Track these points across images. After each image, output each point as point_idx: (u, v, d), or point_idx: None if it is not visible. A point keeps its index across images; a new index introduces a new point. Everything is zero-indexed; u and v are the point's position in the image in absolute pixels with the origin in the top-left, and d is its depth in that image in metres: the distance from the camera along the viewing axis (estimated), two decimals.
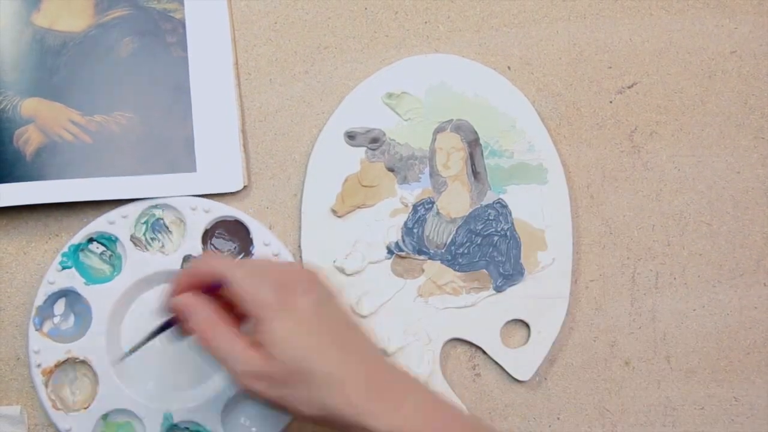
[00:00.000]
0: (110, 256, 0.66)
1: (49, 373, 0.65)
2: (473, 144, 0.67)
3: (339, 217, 0.66)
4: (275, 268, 0.54)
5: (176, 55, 0.66)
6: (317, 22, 0.68)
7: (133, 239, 0.65)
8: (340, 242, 0.66)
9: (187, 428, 0.65)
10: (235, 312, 0.53)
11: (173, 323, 0.55)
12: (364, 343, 0.53)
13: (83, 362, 0.65)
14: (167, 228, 0.66)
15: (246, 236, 0.66)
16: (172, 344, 0.64)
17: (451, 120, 0.67)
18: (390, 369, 0.53)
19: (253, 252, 0.65)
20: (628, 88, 0.69)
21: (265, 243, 0.65)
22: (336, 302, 0.53)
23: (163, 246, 0.66)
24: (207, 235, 0.66)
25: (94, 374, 0.65)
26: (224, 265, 0.52)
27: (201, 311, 0.52)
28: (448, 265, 0.66)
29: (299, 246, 0.66)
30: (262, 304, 0.50)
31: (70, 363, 0.65)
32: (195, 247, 0.65)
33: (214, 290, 0.53)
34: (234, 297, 0.51)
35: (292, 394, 0.50)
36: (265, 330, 0.50)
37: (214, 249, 0.66)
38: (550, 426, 0.67)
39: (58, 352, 0.64)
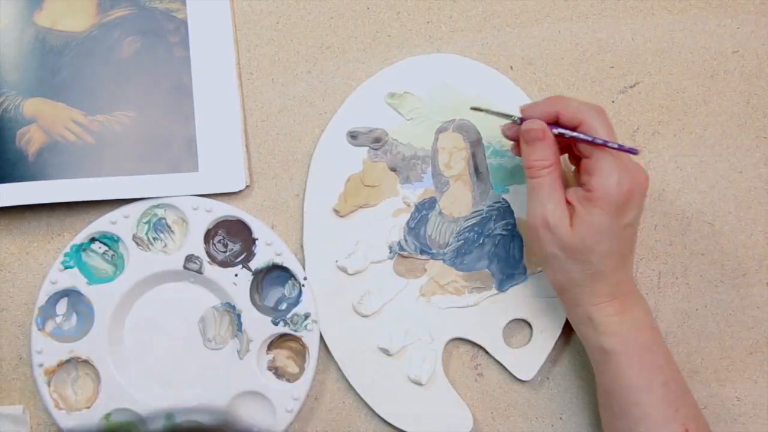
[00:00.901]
0: (112, 255, 0.66)
1: (51, 373, 0.65)
2: (475, 144, 0.67)
3: (341, 216, 0.66)
4: (631, 163, 0.57)
5: (178, 54, 0.66)
6: (319, 21, 0.68)
7: (136, 239, 0.65)
8: (343, 242, 0.66)
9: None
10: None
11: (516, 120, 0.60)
12: (631, 264, 0.61)
13: (86, 362, 0.65)
14: (169, 228, 0.66)
15: (248, 236, 0.66)
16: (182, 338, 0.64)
17: (454, 120, 0.67)
18: (634, 292, 0.60)
19: (255, 252, 0.65)
20: (631, 87, 0.69)
21: (267, 243, 0.65)
22: (639, 217, 0.59)
23: (165, 246, 0.66)
24: (209, 235, 0.66)
25: (97, 374, 0.65)
26: (600, 128, 0.57)
27: (546, 148, 0.58)
28: (451, 265, 0.66)
29: (301, 246, 0.66)
30: (607, 192, 0.56)
31: (73, 362, 0.65)
32: (197, 246, 0.65)
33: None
34: (589, 159, 0.57)
35: (563, 262, 0.58)
36: (590, 209, 0.56)
37: (216, 249, 0.66)
38: (552, 425, 0.67)
39: (61, 351, 0.65)
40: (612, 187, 0.56)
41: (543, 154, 0.57)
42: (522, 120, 0.60)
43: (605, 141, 0.56)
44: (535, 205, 0.58)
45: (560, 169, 0.58)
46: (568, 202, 0.58)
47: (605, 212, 0.56)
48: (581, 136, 0.57)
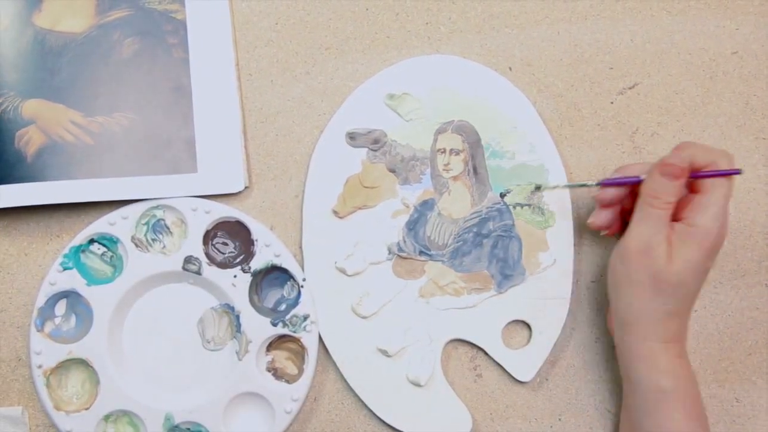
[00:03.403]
0: (111, 257, 0.66)
1: (50, 374, 0.65)
2: (474, 145, 0.67)
3: (340, 218, 0.66)
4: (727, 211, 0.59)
5: (177, 56, 0.66)
6: (318, 23, 0.68)
7: (134, 240, 0.65)
8: (342, 243, 0.66)
9: (188, 429, 0.65)
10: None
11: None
12: (693, 303, 0.60)
13: (84, 363, 0.65)
14: (168, 229, 0.66)
15: (247, 237, 0.66)
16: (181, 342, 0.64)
17: (453, 121, 0.67)
18: (687, 329, 0.61)
19: (254, 253, 0.65)
20: (629, 89, 0.69)
21: (266, 244, 0.65)
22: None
23: (164, 247, 0.66)
24: (208, 236, 0.66)
25: (96, 375, 0.65)
26: (724, 189, 0.58)
27: (677, 187, 0.58)
28: (450, 266, 0.66)
29: (300, 247, 0.66)
30: (712, 233, 0.57)
31: (72, 364, 0.65)
32: (196, 248, 0.65)
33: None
34: (704, 196, 0.58)
35: (645, 291, 0.58)
36: (692, 245, 0.57)
37: (215, 250, 0.66)
38: (551, 427, 0.67)
39: (60, 352, 0.65)
40: (715, 228, 0.57)
41: (673, 191, 0.58)
42: (603, 183, 0.62)
43: (731, 170, 0.58)
44: (642, 230, 0.58)
45: (672, 210, 0.59)
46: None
47: (702, 250, 0.57)
48: (712, 172, 0.58)
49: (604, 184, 0.62)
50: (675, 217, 0.59)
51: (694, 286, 0.58)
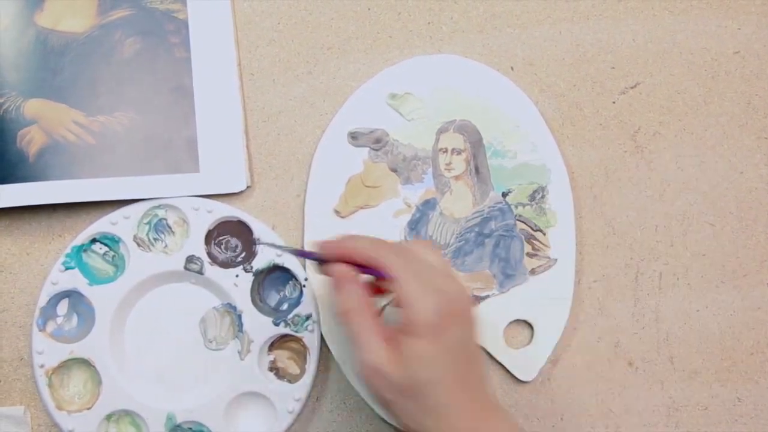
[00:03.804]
0: (113, 256, 0.66)
1: (52, 374, 0.65)
2: (476, 144, 0.67)
3: (342, 217, 0.66)
4: (442, 281, 0.54)
5: (179, 55, 0.66)
6: (320, 22, 0.68)
7: (136, 240, 0.65)
8: None
9: (190, 428, 0.65)
10: (376, 284, 0.56)
11: (315, 260, 0.58)
12: (481, 381, 0.55)
13: (87, 362, 0.65)
14: (170, 228, 0.66)
15: (249, 237, 0.66)
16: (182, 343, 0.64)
17: (455, 120, 0.67)
18: (492, 407, 0.55)
19: (256, 252, 0.65)
20: (631, 88, 0.69)
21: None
22: (476, 336, 0.55)
23: (166, 246, 0.66)
24: (210, 236, 0.66)
25: (98, 375, 0.65)
26: (394, 261, 0.53)
27: (353, 292, 0.54)
28: (452, 266, 0.66)
29: (302, 246, 0.66)
30: (420, 320, 0.51)
31: (74, 363, 0.65)
32: (198, 247, 0.65)
33: (367, 268, 0.55)
34: (395, 293, 0.53)
35: (403, 404, 0.52)
36: (409, 342, 0.52)
37: (217, 250, 0.66)
38: (553, 426, 0.67)
39: (62, 352, 0.65)
40: (420, 312, 0.51)
41: (355, 297, 0.54)
42: (313, 256, 0.58)
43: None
44: (361, 354, 0.53)
45: (373, 309, 0.54)
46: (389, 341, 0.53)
47: (424, 339, 0.51)
48: (376, 273, 0.54)
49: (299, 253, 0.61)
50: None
51: (442, 373, 0.52)
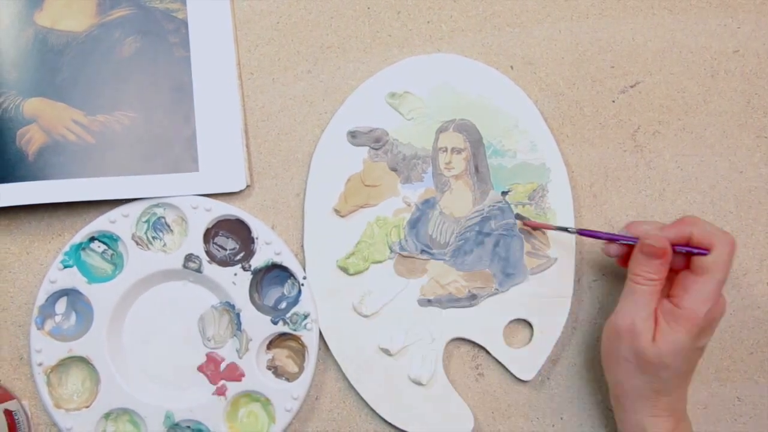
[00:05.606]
0: (112, 255, 0.66)
1: (50, 372, 0.65)
2: (476, 144, 0.67)
3: (342, 216, 0.66)
4: (720, 294, 0.59)
5: (179, 54, 0.66)
6: (320, 21, 0.68)
7: (135, 238, 0.65)
8: (343, 242, 0.66)
9: (189, 427, 0.65)
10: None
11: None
12: (690, 380, 0.61)
13: (85, 361, 0.65)
14: (169, 227, 0.66)
15: (248, 235, 0.66)
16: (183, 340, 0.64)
17: (454, 119, 0.67)
18: (685, 404, 0.62)
19: (254, 251, 0.65)
20: (631, 87, 0.69)
21: (267, 242, 0.65)
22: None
23: (164, 245, 0.66)
24: (208, 234, 0.66)
25: (96, 373, 0.65)
26: (728, 262, 0.58)
27: (663, 266, 0.58)
28: (451, 265, 0.66)
29: (302, 245, 0.66)
30: (693, 317, 0.57)
31: (72, 362, 0.65)
32: (196, 246, 0.65)
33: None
34: (691, 280, 0.58)
35: (631, 370, 0.58)
36: (674, 328, 0.57)
37: (215, 248, 0.66)
38: (553, 426, 0.66)
39: (60, 350, 0.64)
40: (702, 311, 0.57)
41: (655, 270, 0.58)
42: (581, 232, 0.63)
43: (699, 249, 0.58)
44: (628, 308, 0.58)
45: (663, 285, 0.59)
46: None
47: (687, 332, 0.57)
48: (685, 248, 0.59)
49: (581, 233, 0.63)
50: (670, 293, 0.59)
51: (682, 367, 0.58)
